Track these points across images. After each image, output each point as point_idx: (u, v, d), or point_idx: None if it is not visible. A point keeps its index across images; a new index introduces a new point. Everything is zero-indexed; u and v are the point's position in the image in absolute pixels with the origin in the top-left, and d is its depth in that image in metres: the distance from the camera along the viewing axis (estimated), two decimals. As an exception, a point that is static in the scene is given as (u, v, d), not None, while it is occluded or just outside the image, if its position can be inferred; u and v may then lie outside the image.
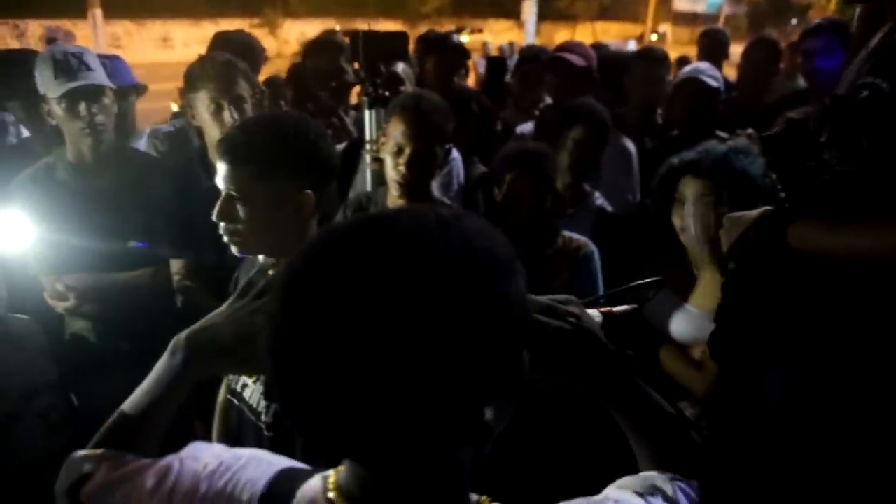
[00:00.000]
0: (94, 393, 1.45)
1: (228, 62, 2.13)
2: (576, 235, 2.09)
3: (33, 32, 17.05)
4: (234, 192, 1.28)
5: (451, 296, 0.54)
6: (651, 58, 3.06)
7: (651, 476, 0.74)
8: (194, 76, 2.12)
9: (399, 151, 1.88)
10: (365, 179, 2.30)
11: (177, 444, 0.81)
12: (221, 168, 1.29)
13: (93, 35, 16.95)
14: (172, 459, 0.76)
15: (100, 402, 1.04)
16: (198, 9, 21.70)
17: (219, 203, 1.29)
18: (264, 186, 1.28)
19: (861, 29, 1.45)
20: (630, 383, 0.77)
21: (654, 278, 0.94)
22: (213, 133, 2.08)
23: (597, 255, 2.07)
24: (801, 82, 3.34)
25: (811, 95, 2.84)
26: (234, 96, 2.08)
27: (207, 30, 16.33)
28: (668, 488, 0.71)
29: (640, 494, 0.70)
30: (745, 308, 1.40)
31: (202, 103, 2.09)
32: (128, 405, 0.89)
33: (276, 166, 1.28)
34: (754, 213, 1.42)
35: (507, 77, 3.87)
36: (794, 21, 27.96)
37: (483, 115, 2.83)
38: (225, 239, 1.32)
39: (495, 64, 3.98)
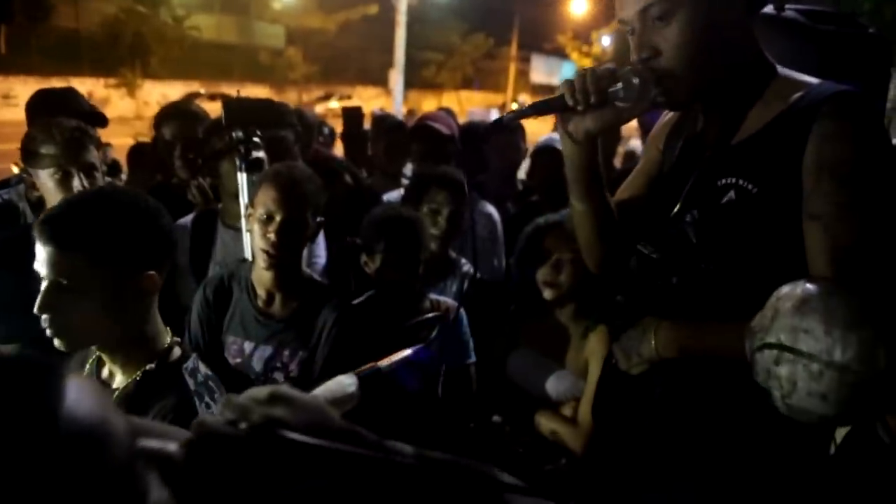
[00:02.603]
0: None
1: (78, 127, 1.99)
2: (442, 298, 2.10)
3: None
4: (62, 281, 1.14)
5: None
6: (506, 128, 3.22)
7: None
8: (37, 141, 1.96)
9: (269, 219, 1.77)
10: (226, 251, 2.19)
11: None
12: (44, 253, 1.14)
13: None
14: None
15: None
16: (46, 66, 20.44)
17: (42, 293, 1.15)
18: (101, 272, 1.15)
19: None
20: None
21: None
22: None
23: (465, 319, 2.09)
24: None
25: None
26: (85, 164, 1.94)
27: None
28: None
29: None
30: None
31: (46, 171, 1.93)
32: None
33: (114, 249, 1.16)
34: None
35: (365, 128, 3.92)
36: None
37: (352, 188, 2.81)
38: (49, 333, 1.16)
39: (351, 114, 3.96)
